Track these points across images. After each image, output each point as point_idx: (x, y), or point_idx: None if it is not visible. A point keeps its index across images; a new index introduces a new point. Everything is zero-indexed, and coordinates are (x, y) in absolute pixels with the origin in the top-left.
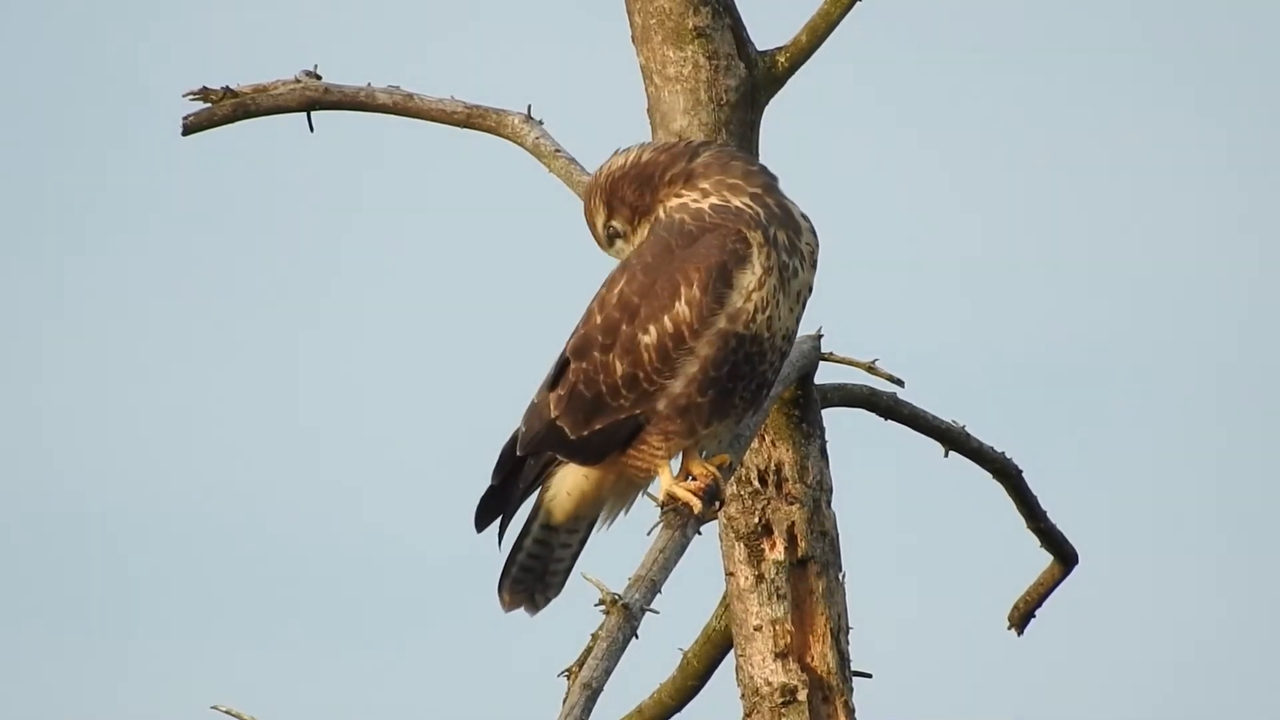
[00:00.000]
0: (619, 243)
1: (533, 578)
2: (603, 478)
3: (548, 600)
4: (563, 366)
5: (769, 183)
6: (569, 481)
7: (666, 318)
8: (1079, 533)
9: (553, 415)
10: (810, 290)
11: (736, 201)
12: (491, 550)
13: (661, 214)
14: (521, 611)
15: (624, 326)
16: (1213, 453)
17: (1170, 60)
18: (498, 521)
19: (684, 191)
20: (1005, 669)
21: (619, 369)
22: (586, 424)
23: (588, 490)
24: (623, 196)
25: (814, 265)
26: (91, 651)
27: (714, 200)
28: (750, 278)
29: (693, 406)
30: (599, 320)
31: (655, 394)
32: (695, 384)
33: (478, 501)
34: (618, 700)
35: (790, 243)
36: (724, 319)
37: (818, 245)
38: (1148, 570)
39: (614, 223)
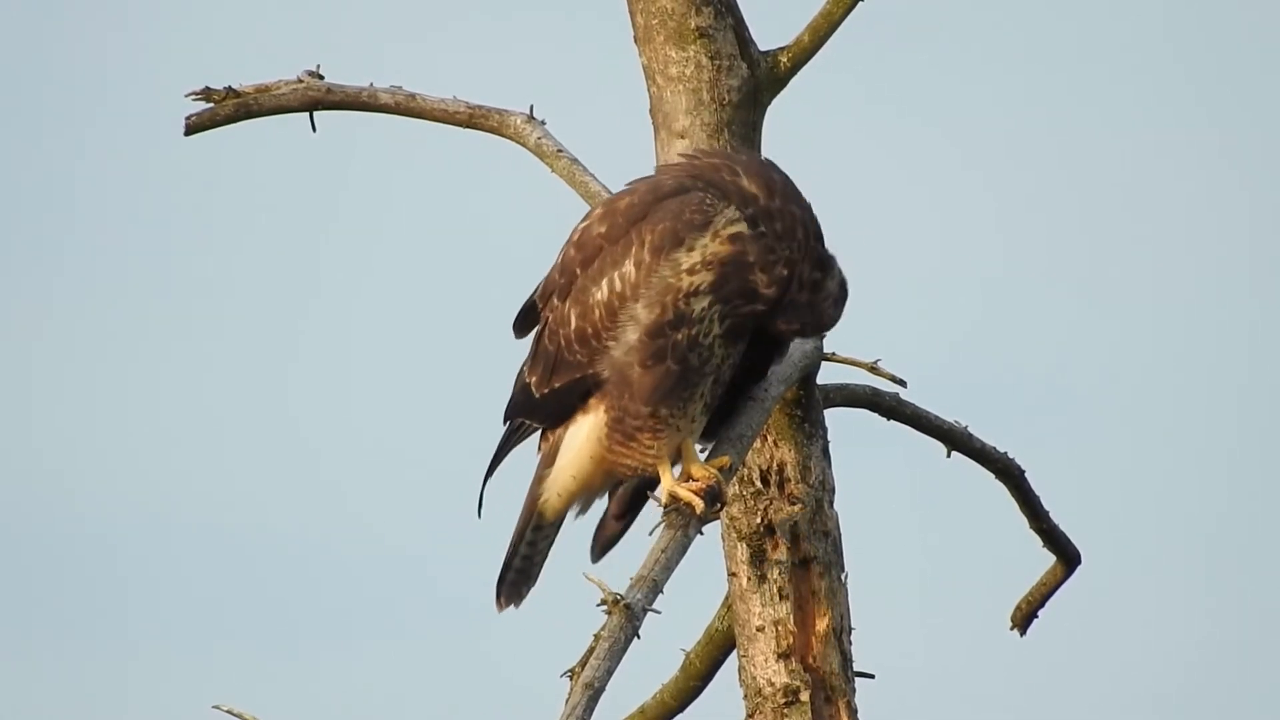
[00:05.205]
0: None
1: (522, 578)
2: (593, 479)
3: (528, 591)
4: (531, 308)
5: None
6: (559, 483)
7: (616, 274)
8: (1082, 533)
9: (527, 377)
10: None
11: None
12: (492, 550)
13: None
14: (522, 610)
15: (578, 270)
16: (1215, 453)
17: (1184, 68)
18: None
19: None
20: (1008, 669)
21: (573, 320)
22: (547, 381)
23: (576, 491)
24: None
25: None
26: (93, 654)
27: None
28: (696, 254)
29: (636, 379)
30: (561, 259)
31: (602, 353)
32: (636, 353)
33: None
34: (620, 701)
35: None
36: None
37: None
38: (1150, 571)
39: None
